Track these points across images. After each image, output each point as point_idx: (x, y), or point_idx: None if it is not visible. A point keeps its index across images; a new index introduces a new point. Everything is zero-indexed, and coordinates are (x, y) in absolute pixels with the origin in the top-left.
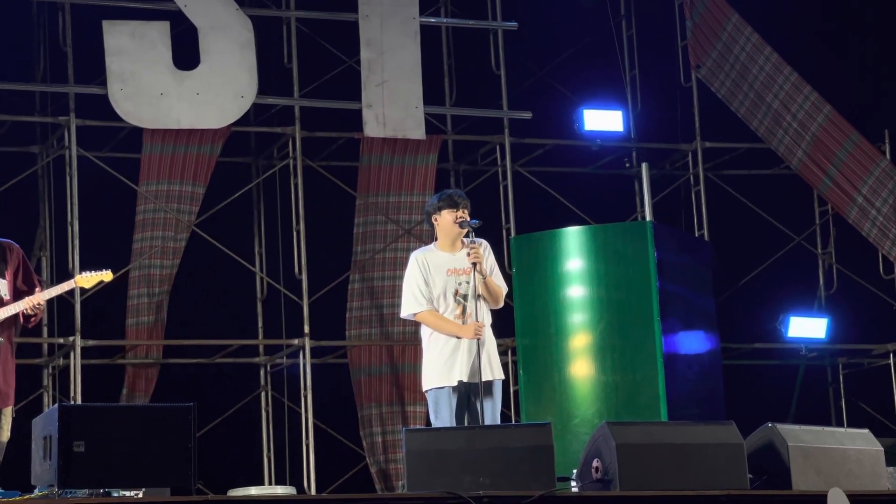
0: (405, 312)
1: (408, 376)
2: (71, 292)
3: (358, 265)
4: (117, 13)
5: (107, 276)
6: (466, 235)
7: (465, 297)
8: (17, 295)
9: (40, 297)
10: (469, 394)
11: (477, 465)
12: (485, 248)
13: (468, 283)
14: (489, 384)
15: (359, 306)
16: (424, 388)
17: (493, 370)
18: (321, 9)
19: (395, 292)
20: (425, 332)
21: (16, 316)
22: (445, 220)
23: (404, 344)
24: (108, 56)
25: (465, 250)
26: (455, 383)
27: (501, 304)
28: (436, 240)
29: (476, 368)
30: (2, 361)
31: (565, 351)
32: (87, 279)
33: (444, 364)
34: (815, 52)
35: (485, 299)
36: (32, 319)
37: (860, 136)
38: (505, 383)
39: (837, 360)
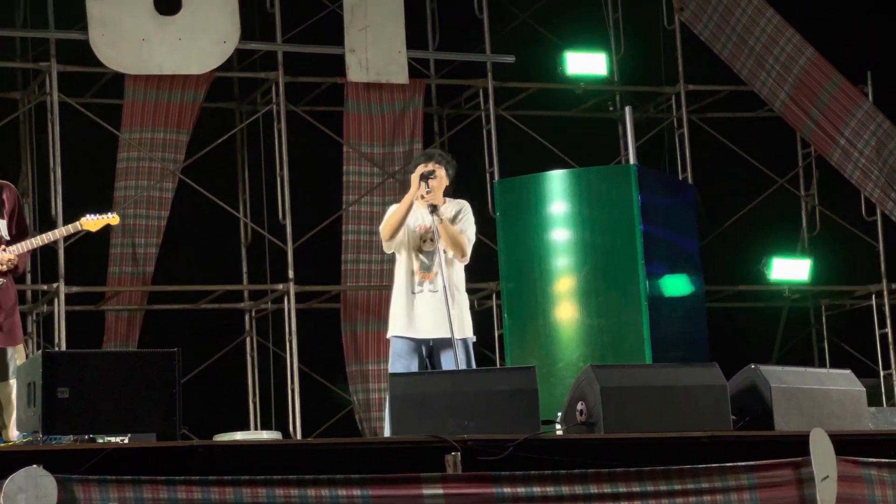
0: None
1: None
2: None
3: (350, 215)
4: None
5: (113, 219)
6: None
7: (427, 253)
8: (11, 238)
9: (46, 237)
10: (435, 350)
11: (461, 408)
12: (465, 209)
13: (432, 241)
14: (462, 342)
15: (354, 259)
16: (389, 334)
17: (464, 328)
18: None
19: None
20: (395, 282)
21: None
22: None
23: None
24: (88, 1)
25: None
26: (419, 336)
27: (467, 257)
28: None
29: (446, 324)
30: (11, 301)
31: (550, 295)
32: (94, 222)
33: (406, 315)
34: None
35: (447, 253)
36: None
37: (842, 78)
38: (486, 326)
39: (820, 301)
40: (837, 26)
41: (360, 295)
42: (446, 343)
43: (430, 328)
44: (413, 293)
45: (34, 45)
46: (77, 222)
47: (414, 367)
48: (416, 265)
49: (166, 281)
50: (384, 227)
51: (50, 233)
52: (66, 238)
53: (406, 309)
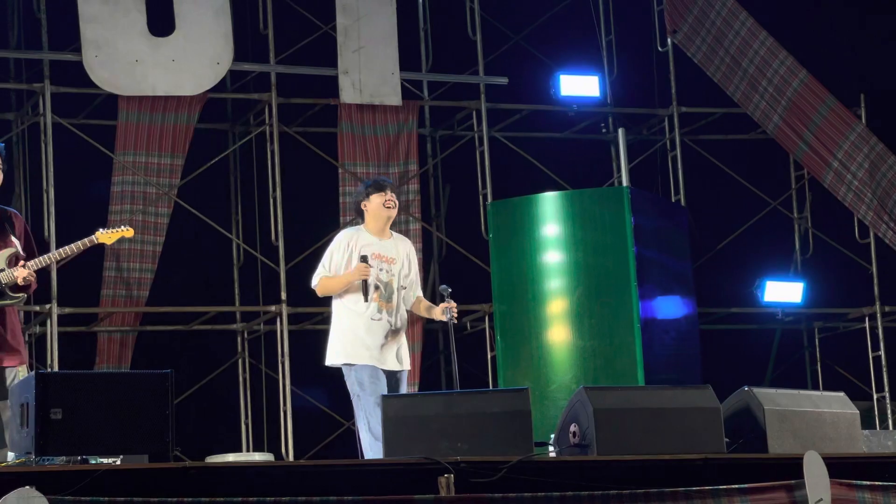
0: (313, 282)
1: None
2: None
3: None
4: None
5: (128, 232)
6: (441, 299)
7: (385, 284)
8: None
9: (62, 251)
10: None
11: (454, 430)
12: (409, 246)
13: (389, 272)
14: (403, 373)
15: None
16: (341, 362)
17: (405, 361)
18: None
19: None
20: (345, 308)
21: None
22: (374, 204)
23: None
24: (82, 23)
25: (390, 240)
26: (388, 368)
27: None
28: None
29: (394, 357)
30: (16, 320)
31: (542, 317)
32: (109, 235)
33: (373, 346)
34: (791, 16)
35: (403, 290)
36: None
37: (836, 101)
38: (479, 348)
39: (813, 323)
40: (831, 49)
41: None
42: (396, 374)
43: (404, 362)
44: (373, 320)
45: (28, 66)
46: (93, 236)
47: (385, 387)
48: (375, 294)
49: (159, 302)
50: (321, 290)
51: (66, 248)
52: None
53: (370, 338)
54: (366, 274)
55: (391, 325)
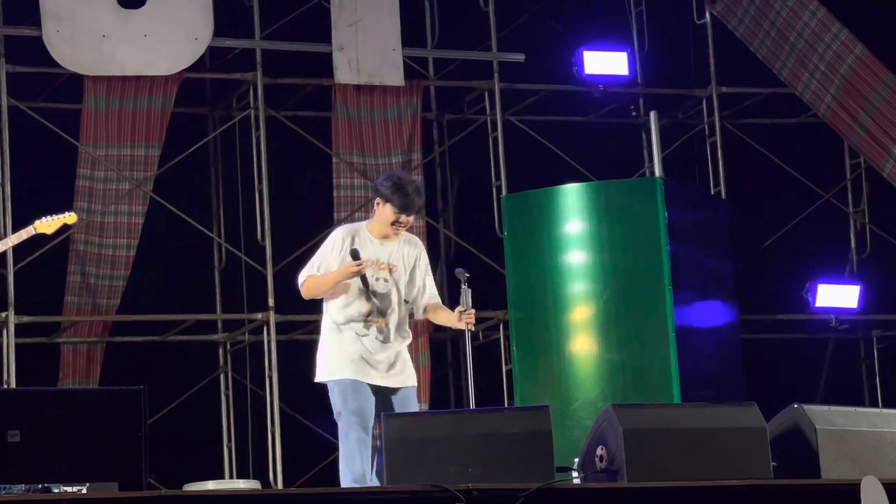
0: (299, 280)
1: None
2: (3, 262)
3: None
4: None
5: (70, 218)
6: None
7: (380, 295)
8: None
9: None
10: (382, 398)
11: (465, 453)
12: (418, 249)
13: (387, 281)
14: (408, 390)
15: None
16: (328, 378)
17: (404, 377)
18: None
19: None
20: (329, 319)
21: None
22: (385, 214)
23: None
24: None
25: (395, 242)
26: (373, 382)
27: None
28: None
29: (386, 372)
30: None
31: (564, 325)
32: (49, 224)
33: (357, 359)
34: None
35: (406, 304)
36: None
37: (895, 79)
38: (493, 360)
39: (871, 332)
40: (890, 20)
41: None
42: (397, 392)
43: (402, 379)
44: (358, 335)
45: None
46: (30, 227)
47: (371, 406)
48: (366, 307)
49: (130, 310)
50: (306, 291)
51: (2, 241)
52: (17, 261)
53: (354, 350)
54: (355, 272)
55: (383, 342)
